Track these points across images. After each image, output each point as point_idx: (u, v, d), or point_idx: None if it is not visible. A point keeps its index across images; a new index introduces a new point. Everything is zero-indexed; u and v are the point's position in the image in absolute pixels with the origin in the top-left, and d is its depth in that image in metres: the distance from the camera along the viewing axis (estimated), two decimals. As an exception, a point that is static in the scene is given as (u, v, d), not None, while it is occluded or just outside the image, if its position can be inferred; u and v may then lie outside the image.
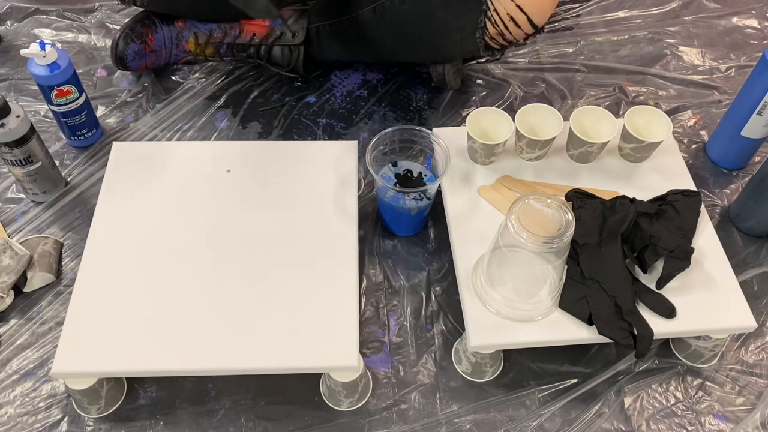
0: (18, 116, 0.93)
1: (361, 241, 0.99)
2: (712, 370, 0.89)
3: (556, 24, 1.32)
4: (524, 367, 0.89)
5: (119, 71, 1.20)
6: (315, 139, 1.13)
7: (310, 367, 0.79)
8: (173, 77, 1.21)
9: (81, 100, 1.04)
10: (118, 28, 1.25)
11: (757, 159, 1.11)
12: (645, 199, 0.92)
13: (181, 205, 0.92)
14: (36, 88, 1.16)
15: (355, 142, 1.00)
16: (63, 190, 1.05)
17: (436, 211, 1.01)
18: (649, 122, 0.97)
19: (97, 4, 1.32)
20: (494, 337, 0.81)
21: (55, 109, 1.04)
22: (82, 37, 1.27)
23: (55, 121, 1.10)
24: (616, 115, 1.14)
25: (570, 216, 0.76)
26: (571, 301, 0.83)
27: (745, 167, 1.11)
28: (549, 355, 0.89)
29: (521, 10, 0.99)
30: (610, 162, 0.99)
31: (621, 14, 1.35)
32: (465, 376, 0.88)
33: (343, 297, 0.83)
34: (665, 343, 0.91)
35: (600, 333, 0.81)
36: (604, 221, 0.88)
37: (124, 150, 0.98)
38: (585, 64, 1.25)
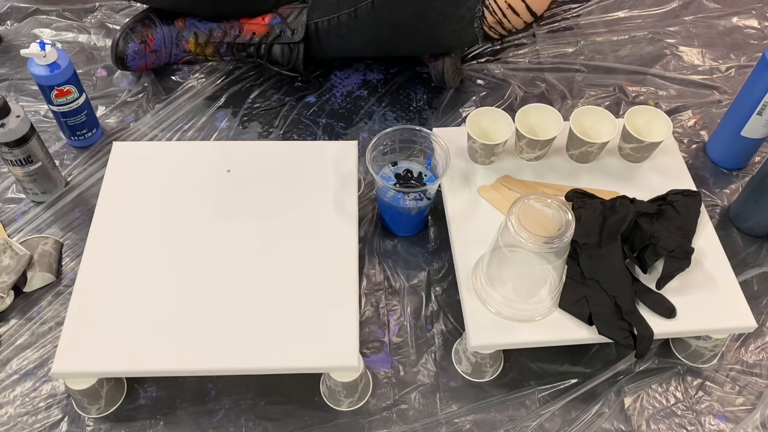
0: (18, 116, 0.93)
1: (361, 241, 0.99)
2: (712, 370, 0.89)
3: (556, 24, 1.32)
4: (524, 367, 0.89)
5: (119, 71, 1.20)
6: (315, 139, 1.13)
7: (310, 367, 0.79)
8: (173, 77, 1.21)
9: (81, 100, 1.04)
10: (118, 27, 1.25)
11: (757, 159, 1.11)
12: (645, 199, 0.92)
13: (181, 205, 0.92)
14: (36, 88, 1.16)
15: (355, 142, 1.00)
16: (63, 190, 1.05)
17: (436, 211, 1.01)
18: (649, 122, 0.97)
19: (97, 4, 1.32)
20: (494, 337, 0.81)
21: (55, 109, 1.04)
22: (82, 37, 1.27)
23: (55, 121, 1.10)
24: (616, 115, 1.14)
25: (570, 216, 0.76)
26: (571, 301, 0.83)
27: (745, 167, 1.11)
28: (549, 355, 0.89)
29: None
30: (610, 162, 0.99)
31: (621, 14, 1.35)
32: (465, 376, 0.88)
33: (343, 297, 0.83)
34: (665, 343, 0.91)
35: (600, 333, 0.81)
36: (604, 221, 0.88)
37: (124, 150, 0.98)
38: (585, 64, 1.25)
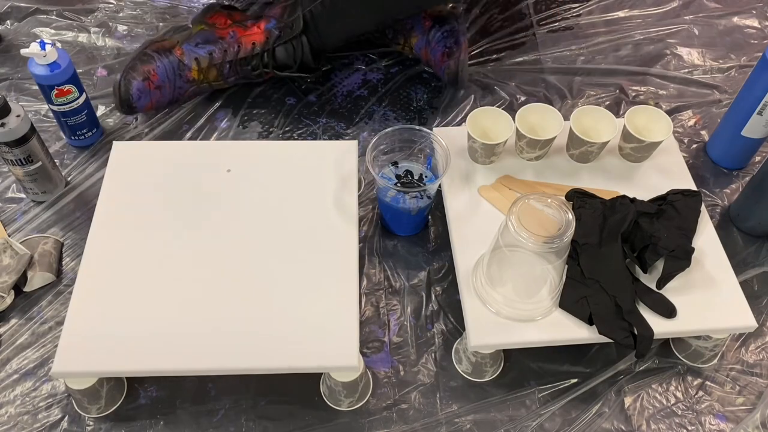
0: (18, 116, 0.93)
1: (362, 240, 0.99)
2: (713, 370, 0.89)
3: (556, 24, 1.32)
4: (524, 367, 0.89)
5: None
6: (315, 139, 1.13)
7: (310, 367, 0.79)
8: (173, 77, 1.21)
9: (81, 100, 1.04)
10: (118, 27, 1.25)
11: (757, 159, 1.11)
12: (645, 199, 0.92)
13: (181, 205, 0.92)
14: (36, 87, 1.16)
15: (355, 142, 1.00)
16: (63, 190, 1.05)
17: (436, 211, 1.01)
18: (649, 122, 0.97)
19: (97, 4, 1.32)
20: (494, 337, 0.81)
21: (56, 108, 1.04)
22: (83, 37, 1.27)
23: (55, 120, 1.10)
24: (617, 115, 1.14)
25: (570, 216, 0.76)
26: (571, 301, 0.83)
27: (745, 167, 1.11)
28: (549, 355, 0.89)
29: None
30: (611, 162, 0.99)
31: (621, 14, 1.35)
32: (465, 375, 0.88)
33: (343, 297, 0.83)
34: (665, 342, 0.91)
35: (600, 333, 0.81)
36: (604, 221, 0.88)
37: (124, 150, 0.98)
38: (585, 64, 1.25)
